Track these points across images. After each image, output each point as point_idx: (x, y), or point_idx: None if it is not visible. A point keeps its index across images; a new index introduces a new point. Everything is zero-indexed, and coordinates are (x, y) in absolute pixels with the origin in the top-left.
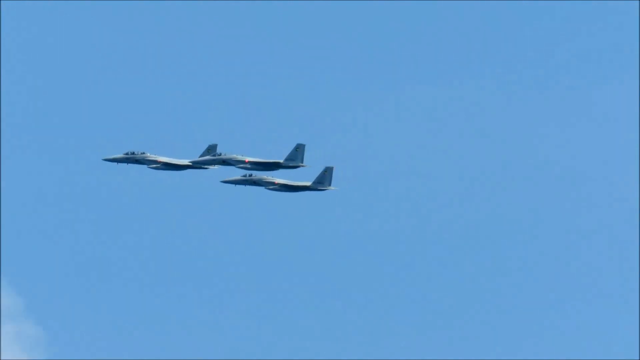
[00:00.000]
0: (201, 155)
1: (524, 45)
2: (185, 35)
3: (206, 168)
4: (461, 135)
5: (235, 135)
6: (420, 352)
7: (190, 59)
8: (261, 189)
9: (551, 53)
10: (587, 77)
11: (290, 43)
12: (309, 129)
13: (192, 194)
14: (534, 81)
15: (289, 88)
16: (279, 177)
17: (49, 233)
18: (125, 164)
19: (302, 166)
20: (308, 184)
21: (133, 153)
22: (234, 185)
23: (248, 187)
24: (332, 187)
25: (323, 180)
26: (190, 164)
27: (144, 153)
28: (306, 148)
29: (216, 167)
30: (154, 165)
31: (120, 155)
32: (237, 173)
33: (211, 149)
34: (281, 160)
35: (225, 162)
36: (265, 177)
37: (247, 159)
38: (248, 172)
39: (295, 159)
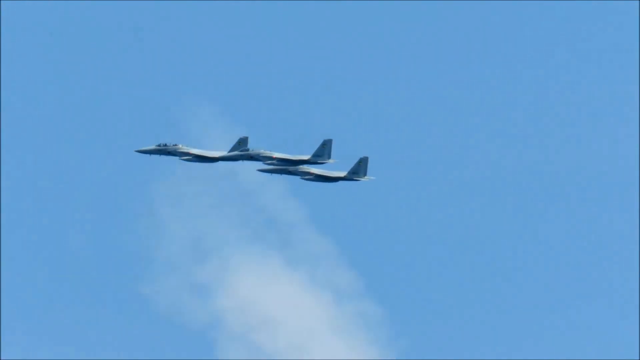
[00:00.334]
0: (232, 148)
1: (523, 46)
2: (214, 30)
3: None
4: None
5: (266, 128)
6: (462, 346)
7: (226, 53)
8: (297, 178)
9: (551, 53)
10: (587, 77)
11: (317, 37)
12: (335, 123)
13: (228, 184)
14: (533, 81)
15: (316, 82)
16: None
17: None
18: (157, 156)
19: (330, 162)
20: (343, 174)
21: (165, 145)
22: (269, 174)
23: (284, 176)
24: (367, 178)
25: (358, 170)
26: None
27: (176, 145)
28: (333, 143)
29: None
30: (186, 157)
31: (152, 146)
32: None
33: (242, 142)
34: (308, 157)
35: (253, 158)
36: (301, 167)
37: (275, 155)
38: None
39: (322, 155)
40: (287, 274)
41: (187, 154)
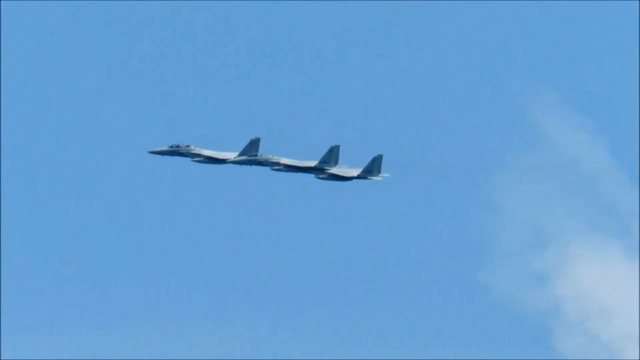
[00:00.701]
0: (243, 149)
1: (523, 45)
2: (226, 32)
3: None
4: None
5: (278, 131)
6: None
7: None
8: (310, 176)
9: (550, 53)
10: (587, 77)
11: (330, 41)
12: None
13: (241, 185)
14: (533, 81)
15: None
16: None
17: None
18: (170, 157)
19: (331, 172)
20: (357, 172)
21: (178, 146)
22: (285, 172)
23: (299, 174)
24: (380, 176)
25: (372, 168)
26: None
27: (188, 146)
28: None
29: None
30: (197, 159)
31: (165, 147)
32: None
33: (253, 143)
34: (315, 163)
35: (261, 163)
36: (316, 165)
37: (282, 161)
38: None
39: (329, 161)
40: (627, 263)
41: (199, 155)
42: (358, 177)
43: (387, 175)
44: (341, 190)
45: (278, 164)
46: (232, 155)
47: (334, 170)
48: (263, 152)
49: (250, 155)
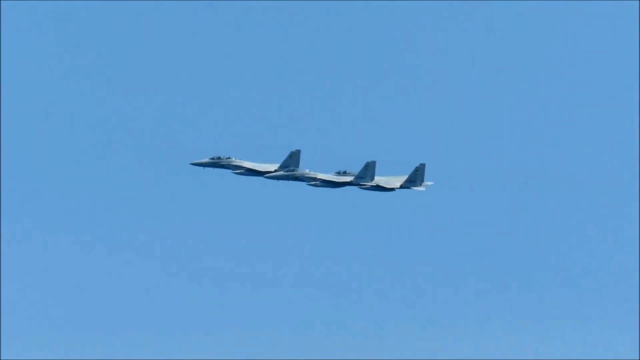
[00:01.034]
0: (284, 161)
1: (522, 45)
2: (258, 39)
3: None
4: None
5: (319, 142)
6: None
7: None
8: (355, 188)
9: (550, 53)
10: (587, 77)
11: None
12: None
13: (283, 196)
14: (532, 81)
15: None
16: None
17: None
18: (211, 169)
19: (373, 184)
20: (400, 183)
21: (219, 158)
22: (332, 187)
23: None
24: (423, 186)
25: (415, 179)
26: (271, 170)
27: (229, 158)
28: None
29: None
30: (238, 171)
31: (206, 159)
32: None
33: (293, 155)
34: (351, 179)
35: (298, 179)
36: (352, 181)
37: (319, 176)
38: (342, 170)
39: (365, 176)
40: None
41: (240, 167)
42: (401, 187)
43: (430, 183)
44: (384, 200)
45: (315, 179)
46: (272, 167)
47: (377, 181)
48: (302, 165)
49: (288, 170)
